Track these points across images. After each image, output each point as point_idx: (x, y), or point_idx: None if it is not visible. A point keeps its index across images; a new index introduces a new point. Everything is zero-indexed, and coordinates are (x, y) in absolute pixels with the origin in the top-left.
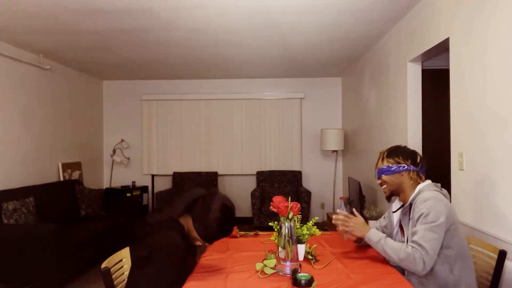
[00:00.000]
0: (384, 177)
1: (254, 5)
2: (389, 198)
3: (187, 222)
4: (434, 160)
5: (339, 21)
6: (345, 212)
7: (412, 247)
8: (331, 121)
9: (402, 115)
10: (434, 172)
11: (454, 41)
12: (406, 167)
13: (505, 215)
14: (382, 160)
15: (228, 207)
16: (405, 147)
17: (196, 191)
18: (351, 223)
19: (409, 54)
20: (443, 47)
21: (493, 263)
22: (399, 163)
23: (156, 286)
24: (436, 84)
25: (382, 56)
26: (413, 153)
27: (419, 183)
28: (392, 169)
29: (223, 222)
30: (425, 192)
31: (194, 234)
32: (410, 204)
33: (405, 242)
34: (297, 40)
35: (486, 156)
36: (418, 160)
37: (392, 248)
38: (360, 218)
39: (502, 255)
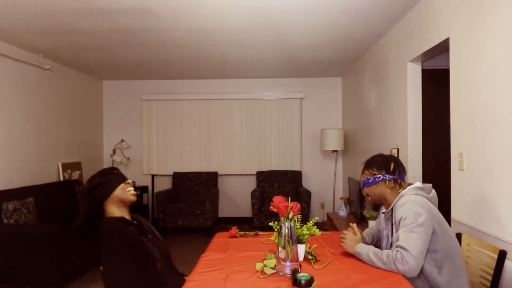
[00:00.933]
0: (365, 189)
1: (254, 5)
2: (375, 208)
3: (111, 204)
4: (434, 160)
5: (339, 21)
6: (349, 231)
7: (397, 251)
8: (331, 121)
9: (402, 115)
10: (434, 172)
11: (454, 41)
12: (381, 178)
13: (505, 215)
14: (362, 172)
15: (93, 175)
16: (379, 156)
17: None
18: (346, 240)
19: (409, 54)
20: (443, 47)
21: (493, 263)
22: (374, 174)
23: (125, 270)
24: (436, 84)
25: (382, 56)
26: (387, 162)
27: (398, 189)
28: (370, 181)
29: (99, 172)
30: (404, 196)
31: (117, 193)
32: (392, 210)
33: (391, 245)
34: (297, 40)
35: (486, 156)
36: (392, 168)
37: (376, 254)
38: (355, 236)
39: (502, 255)
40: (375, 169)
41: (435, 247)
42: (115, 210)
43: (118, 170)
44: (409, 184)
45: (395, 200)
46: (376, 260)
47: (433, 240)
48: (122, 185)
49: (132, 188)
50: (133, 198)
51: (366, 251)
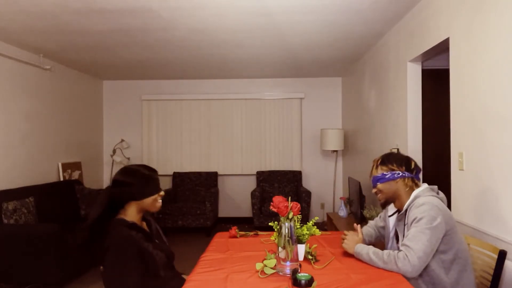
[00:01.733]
0: (379, 185)
1: (254, 5)
2: (384, 206)
3: (134, 206)
4: (434, 160)
5: (339, 21)
6: (350, 232)
7: (401, 250)
8: (331, 121)
9: (402, 115)
10: (434, 172)
11: (454, 41)
12: (401, 174)
13: (505, 215)
14: (376, 168)
15: (127, 167)
16: (398, 153)
17: (103, 192)
18: (346, 241)
19: (409, 54)
20: (443, 47)
21: (493, 263)
22: (393, 170)
23: (128, 279)
24: (436, 84)
25: (382, 56)
26: (407, 159)
27: (414, 189)
28: (387, 176)
29: (140, 171)
30: (421, 197)
31: (147, 202)
32: (406, 211)
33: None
34: (297, 40)
35: (486, 156)
36: (412, 166)
37: (376, 254)
38: (355, 237)
39: (502, 255)
40: (394, 165)
41: (445, 248)
42: (133, 213)
43: (157, 176)
44: None
45: (410, 200)
46: (377, 259)
47: (445, 241)
48: (155, 195)
49: (161, 200)
50: (157, 210)
51: (366, 251)
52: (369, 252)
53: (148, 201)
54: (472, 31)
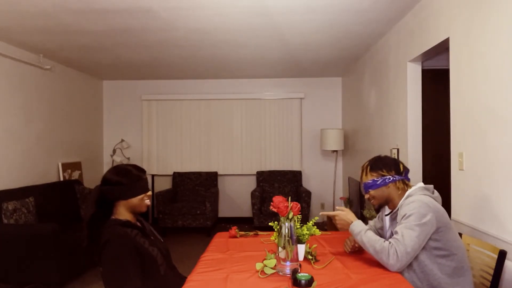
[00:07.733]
0: (371, 191)
1: (254, 5)
2: (378, 210)
3: (122, 208)
4: (434, 160)
5: (339, 21)
6: (337, 211)
7: (390, 242)
8: (331, 121)
9: (402, 115)
10: (434, 172)
11: (454, 41)
12: (391, 179)
13: (505, 215)
14: (366, 174)
15: (117, 166)
16: (386, 157)
17: (93, 190)
18: (338, 220)
19: (409, 54)
20: (443, 47)
21: (493, 263)
22: (383, 175)
23: (128, 279)
24: (436, 84)
25: (382, 56)
26: (395, 163)
27: (406, 190)
28: (378, 182)
29: (129, 171)
30: (412, 196)
31: (135, 201)
32: (398, 209)
33: None
34: (297, 40)
35: (486, 156)
36: (401, 168)
37: (369, 239)
38: (343, 212)
39: (502, 255)
40: (384, 170)
41: (439, 245)
42: (124, 211)
43: (146, 176)
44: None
45: (403, 199)
46: (368, 245)
47: (437, 237)
48: (142, 195)
49: (149, 200)
50: (145, 209)
51: (359, 230)
52: (362, 234)
53: (135, 200)
54: (472, 31)
